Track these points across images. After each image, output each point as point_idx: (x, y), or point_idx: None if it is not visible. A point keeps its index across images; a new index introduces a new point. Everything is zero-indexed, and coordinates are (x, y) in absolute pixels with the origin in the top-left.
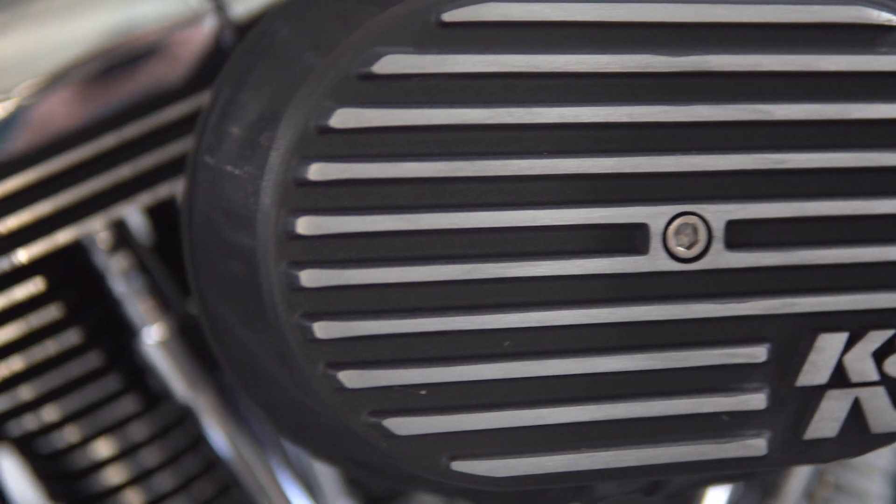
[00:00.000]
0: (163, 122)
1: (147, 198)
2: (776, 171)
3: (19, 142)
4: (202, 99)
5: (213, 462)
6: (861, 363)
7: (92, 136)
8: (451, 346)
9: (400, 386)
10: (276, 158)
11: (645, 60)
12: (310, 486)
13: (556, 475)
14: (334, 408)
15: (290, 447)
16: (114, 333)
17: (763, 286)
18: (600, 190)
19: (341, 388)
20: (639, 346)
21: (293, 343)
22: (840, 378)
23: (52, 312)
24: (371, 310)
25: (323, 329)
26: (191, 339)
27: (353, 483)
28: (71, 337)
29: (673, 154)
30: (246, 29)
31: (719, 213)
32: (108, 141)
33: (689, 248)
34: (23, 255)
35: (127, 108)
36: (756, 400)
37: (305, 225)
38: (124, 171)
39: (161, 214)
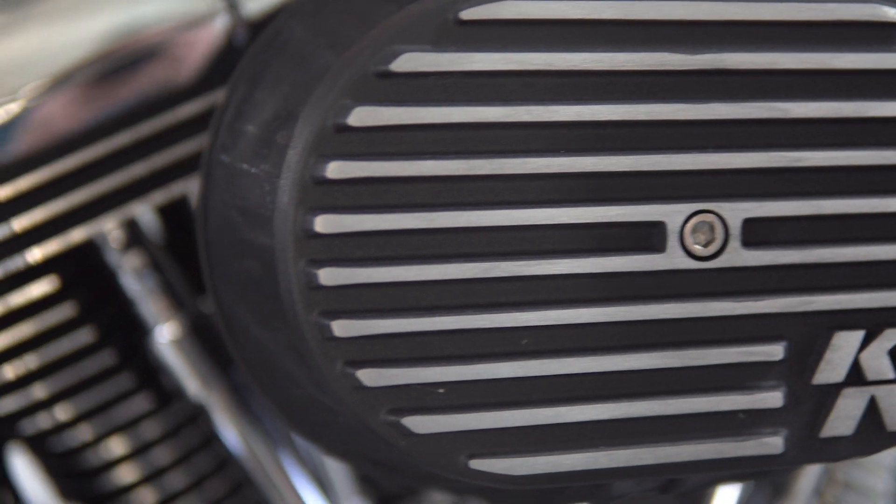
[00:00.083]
0: (175, 121)
1: (159, 196)
2: (793, 168)
3: (25, 143)
4: (215, 97)
5: (225, 460)
6: (877, 361)
7: (102, 136)
8: (469, 345)
9: (418, 384)
10: (293, 157)
11: (662, 58)
12: (322, 484)
13: (574, 473)
14: (353, 406)
15: (301, 445)
16: (126, 332)
17: (780, 284)
18: (618, 188)
19: (360, 387)
20: (656, 344)
21: (311, 341)
22: (856, 376)
23: (65, 311)
24: (389, 308)
25: (341, 327)
26: (203, 338)
27: (364, 481)
28: (84, 336)
29: (690, 152)
30: (259, 27)
31: (736, 211)
32: (121, 140)
33: (706, 246)
34: (36, 254)
35: (138, 108)
36: (772, 398)
37: (324, 223)
38: (137, 170)
39: (172, 213)
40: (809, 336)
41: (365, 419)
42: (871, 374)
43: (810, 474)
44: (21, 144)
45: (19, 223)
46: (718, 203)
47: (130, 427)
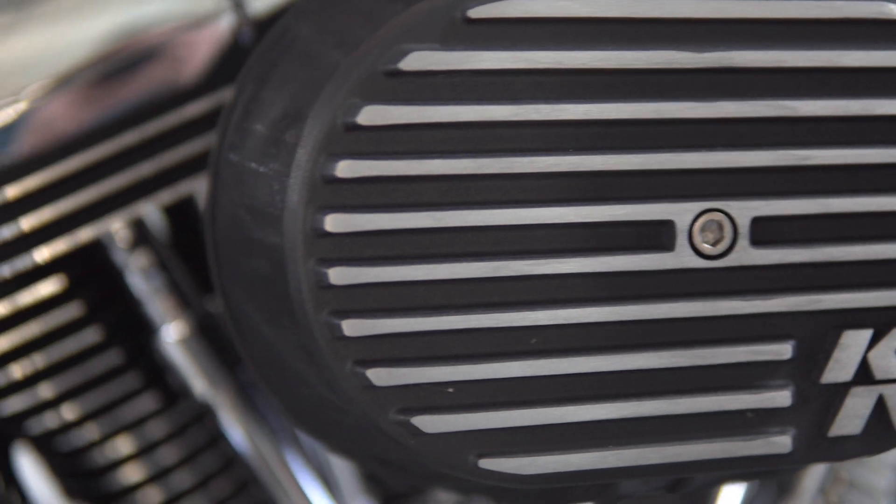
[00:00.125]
0: (181, 120)
1: (166, 196)
2: (801, 167)
3: (29, 144)
4: (221, 97)
5: (231, 459)
6: (885, 360)
7: (107, 136)
8: (479, 344)
9: (427, 384)
10: (303, 155)
11: (670, 56)
12: (327, 483)
13: (583, 473)
14: (362, 405)
15: (307, 444)
16: (133, 331)
17: (788, 283)
18: (626, 187)
19: (369, 386)
20: (664, 343)
21: (321, 341)
22: (864, 375)
23: (72, 310)
24: (399, 307)
25: (351, 327)
26: (210, 337)
27: (370, 480)
28: (91, 335)
29: (698, 151)
30: (264, 26)
31: (744, 210)
32: (127, 139)
33: (714, 244)
34: (43, 254)
35: (144, 107)
36: (781, 397)
37: (333, 222)
38: (143, 170)
39: (178, 212)
40: (818, 335)
41: (374, 418)
42: (879, 373)
43: (815, 473)
44: (25, 145)
45: (26, 223)
46: (727, 202)
47: (137, 426)
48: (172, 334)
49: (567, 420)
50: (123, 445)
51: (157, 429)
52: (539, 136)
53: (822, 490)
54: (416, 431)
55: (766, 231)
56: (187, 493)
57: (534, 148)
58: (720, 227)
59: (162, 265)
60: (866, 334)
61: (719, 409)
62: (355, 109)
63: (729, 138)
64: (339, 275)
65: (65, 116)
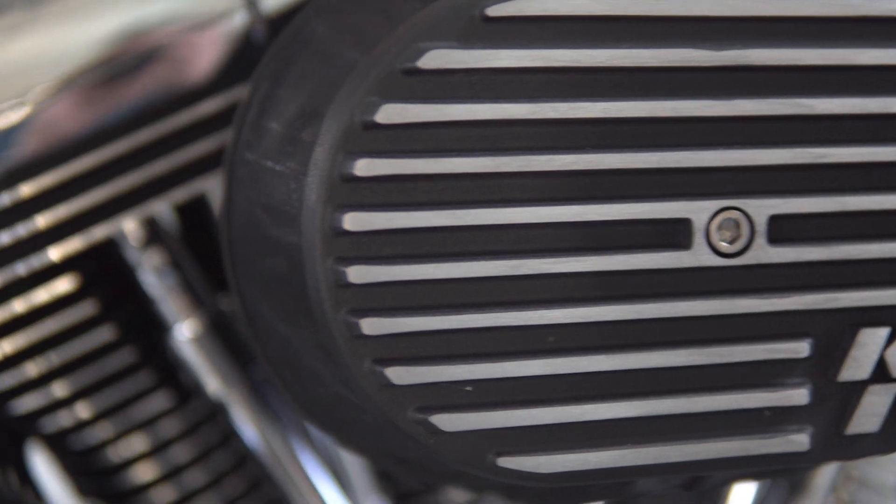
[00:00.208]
0: (194, 119)
1: (178, 194)
2: (818, 165)
3: (35, 145)
4: (234, 95)
5: (243, 457)
6: None
7: (117, 136)
8: (497, 342)
9: (446, 382)
10: (321, 154)
11: (687, 54)
12: (340, 481)
13: (601, 471)
14: (381, 404)
15: (319, 442)
16: (146, 330)
17: (805, 281)
18: (643, 185)
19: (388, 385)
20: (682, 341)
21: (340, 340)
22: (882, 373)
23: (85, 309)
24: (417, 306)
25: (370, 325)
26: (222, 335)
27: (382, 478)
28: (104, 333)
29: (715, 149)
30: (277, 23)
31: (762, 208)
32: (139, 138)
33: (731, 242)
34: (57, 253)
35: (156, 106)
36: (798, 395)
37: (352, 221)
38: (156, 168)
39: (190, 211)
40: (835, 333)
41: (393, 417)
42: None
43: (827, 471)
44: (32, 146)
45: (40, 221)
46: (744, 200)
47: (149, 425)
48: (185, 332)
49: (585, 418)
50: (136, 444)
51: (169, 427)
52: (556, 134)
53: (833, 488)
54: (435, 430)
55: (783, 229)
56: (200, 491)
57: (551, 146)
58: (737, 225)
59: (175, 264)
60: (883, 332)
61: (737, 408)
62: (373, 108)
63: (746, 136)
64: (357, 273)
65: (72, 117)
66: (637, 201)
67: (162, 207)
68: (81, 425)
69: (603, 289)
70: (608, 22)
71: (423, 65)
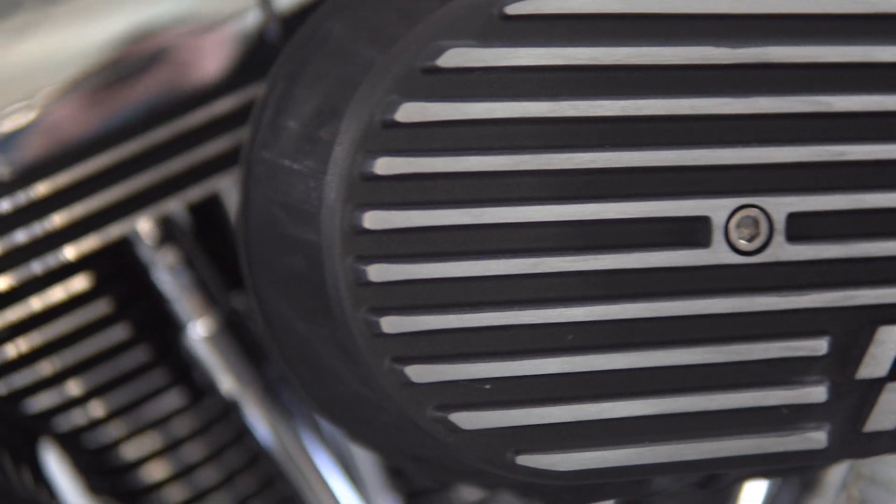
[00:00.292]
0: (208, 118)
1: (192, 193)
2: (836, 162)
3: (40, 149)
4: (248, 93)
5: (257, 455)
6: None
7: (129, 137)
8: (516, 340)
9: (465, 380)
10: (340, 153)
11: (706, 52)
12: (352, 479)
13: (619, 469)
14: (400, 402)
15: (332, 440)
16: (160, 328)
17: (823, 279)
18: (663, 183)
19: (408, 383)
20: (700, 339)
21: (359, 338)
22: None
23: (100, 308)
24: (436, 304)
25: (390, 324)
26: (236, 334)
27: (394, 475)
28: (118, 332)
29: (734, 146)
30: (291, 22)
31: (780, 206)
32: (153, 138)
33: (750, 240)
34: (71, 252)
35: (168, 106)
36: (816, 393)
37: (372, 219)
38: (170, 167)
39: (203, 210)
40: (853, 331)
41: (412, 415)
42: None
43: (839, 469)
44: (40, 148)
45: (55, 220)
46: (763, 197)
47: (163, 423)
48: (199, 331)
49: (603, 416)
50: (149, 442)
51: (182, 425)
52: (575, 132)
53: (843, 485)
54: (454, 428)
55: (801, 227)
56: (212, 489)
57: (570, 144)
58: (756, 222)
59: (189, 262)
60: None
61: (755, 405)
62: (393, 106)
63: (764, 134)
64: (377, 272)
65: (78, 119)
66: (656, 199)
67: (176, 206)
68: (95, 424)
69: (621, 287)
70: (627, 20)
71: (442, 63)
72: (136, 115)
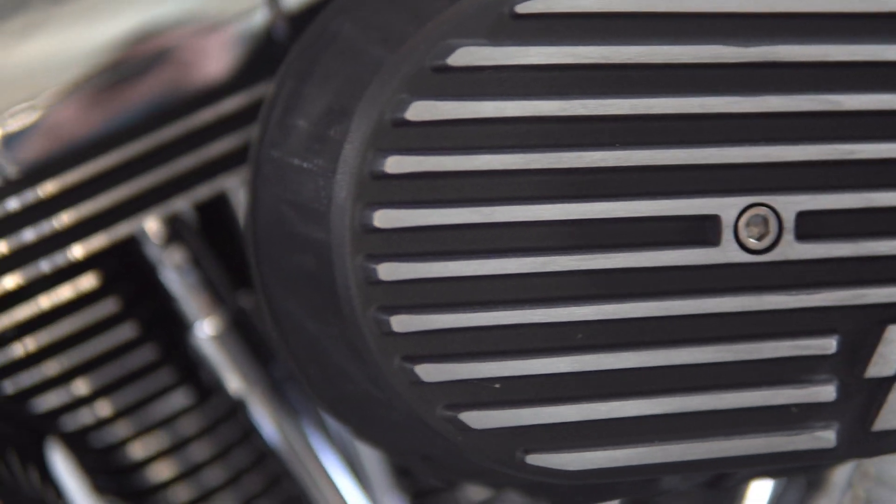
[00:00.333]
0: (215, 117)
1: (199, 192)
2: (846, 161)
3: (43, 149)
4: (255, 92)
5: (263, 454)
6: None
7: (136, 136)
8: (526, 339)
9: (475, 379)
10: (350, 151)
11: (715, 51)
12: (358, 478)
13: (629, 468)
14: (410, 401)
15: (338, 439)
16: (167, 327)
17: (832, 277)
18: (672, 181)
19: (417, 382)
20: (710, 338)
21: (369, 337)
22: None
23: (107, 307)
24: (447, 303)
25: (400, 323)
26: (243, 333)
27: (401, 475)
28: (125, 331)
29: (743, 145)
30: (299, 20)
31: (790, 204)
32: (160, 137)
33: (759, 239)
34: (78, 251)
35: (174, 105)
36: (825, 392)
37: (382, 218)
38: (177, 166)
39: (209, 209)
40: (862, 329)
41: (422, 414)
42: None
43: (844, 468)
44: (43, 148)
45: (62, 220)
46: (772, 196)
47: (169, 422)
48: (206, 330)
49: (613, 415)
50: (156, 441)
51: (189, 425)
52: (585, 130)
53: (849, 485)
54: (464, 427)
55: (811, 225)
56: (219, 489)
57: (580, 143)
58: (765, 221)
59: (196, 261)
60: None
61: (764, 404)
62: (404, 105)
63: (774, 133)
64: (387, 270)
65: (81, 120)
66: (665, 198)
67: (183, 205)
68: (101, 423)
69: (631, 285)
70: (637, 18)
71: (452, 62)
72: (143, 115)
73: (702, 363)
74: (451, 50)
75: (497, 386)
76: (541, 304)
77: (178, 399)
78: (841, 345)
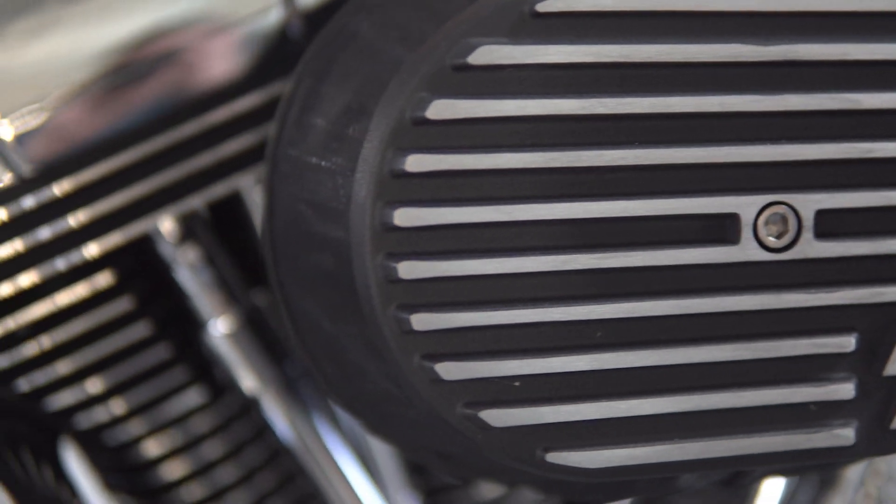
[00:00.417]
0: (230, 116)
1: (213, 191)
2: (865, 160)
3: (48, 151)
4: (271, 91)
5: (276, 452)
6: None
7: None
8: (545, 337)
9: (495, 377)
10: (370, 150)
11: (735, 50)
12: (372, 476)
13: (648, 466)
14: (430, 399)
15: (352, 437)
16: (181, 326)
17: (851, 275)
18: (692, 180)
19: (437, 380)
20: (729, 336)
21: (389, 335)
22: None
23: (122, 305)
24: (466, 301)
25: (420, 321)
26: (257, 331)
27: (415, 472)
28: (140, 329)
29: (762, 143)
30: (314, 19)
31: (809, 203)
32: (175, 136)
33: (778, 237)
34: (93, 249)
35: (190, 104)
36: (844, 390)
37: (402, 216)
38: (192, 165)
39: (223, 207)
40: (881, 327)
41: (442, 412)
42: None
43: (857, 466)
44: (47, 149)
45: (77, 218)
46: (791, 194)
47: (183, 420)
48: (220, 328)
49: (632, 413)
50: (169, 439)
51: (202, 423)
52: (605, 129)
53: (861, 482)
54: (484, 425)
55: (830, 224)
56: (232, 487)
57: (600, 141)
58: (784, 219)
59: (210, 260)
60: None
61: (783, 402)
62: (424, 104)
63: (793, 131)
64: (407, 269)
65: (88, 121)
66: (685, 196)
67: (198, 204)
68: (115, 421)
69: (650, 284)
70: (656, 17)
71: (473, 61)
72: (158, 114)
73: (721, 361)
74: (471, 48)
75: (517, 384)
76: (560, 303)
77: (192, 397)
78: (860, 343)
